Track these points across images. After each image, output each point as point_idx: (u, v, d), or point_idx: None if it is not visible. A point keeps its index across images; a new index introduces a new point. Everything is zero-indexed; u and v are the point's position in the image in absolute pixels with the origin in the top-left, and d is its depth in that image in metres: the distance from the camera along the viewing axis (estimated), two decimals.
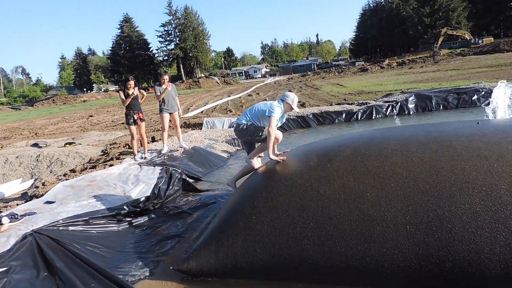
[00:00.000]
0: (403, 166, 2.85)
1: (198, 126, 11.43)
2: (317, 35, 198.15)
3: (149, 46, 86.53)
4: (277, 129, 3.90)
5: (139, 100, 6.99)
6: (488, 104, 5.38)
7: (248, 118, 4.04)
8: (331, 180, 2.99)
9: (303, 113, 10.82)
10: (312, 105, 14.61)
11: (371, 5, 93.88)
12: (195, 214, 4.54)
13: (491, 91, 5.75)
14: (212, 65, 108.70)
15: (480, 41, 61.14)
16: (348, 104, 12.27)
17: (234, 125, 4.22)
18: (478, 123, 3.49)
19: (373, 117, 10.61)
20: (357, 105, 11.39)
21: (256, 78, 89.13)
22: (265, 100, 20.85)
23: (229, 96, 29.15)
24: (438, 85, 16.00)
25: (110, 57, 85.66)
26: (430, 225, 2.48)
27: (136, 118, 6.87)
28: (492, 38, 61.86)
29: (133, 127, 6.87)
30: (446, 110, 10.65)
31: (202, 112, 18.18)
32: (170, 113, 7.32)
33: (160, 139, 8.40)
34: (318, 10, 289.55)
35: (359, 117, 10.65)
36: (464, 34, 63.31)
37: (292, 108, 4.00)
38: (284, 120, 4.15)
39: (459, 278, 2.37)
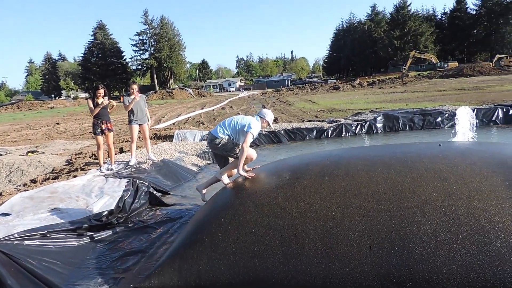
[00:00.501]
0: (368, 186, 2.91)
1: (169, 138, 11.27)
2: (292, 52, 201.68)
3: (123, 54, 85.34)
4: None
5: (108, 110, 6.83)
6: (452, 126, 5.64)
7: (225, 131, 3.99)
8: (298, 198, 3.00)
9: (275, 129, 10.89)
10: (284, 120, 14.77)
11: (345, 25, 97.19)
12: (161, 229, 4.42)
13: (455, 114, 6.03)
14: (187, 76, 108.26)
15: (445, 65, 64.15)
16: (319, 121, 12.49)
17: (208, 137, 4.15)
18: (440, 145, 3.63)
19: (343, 135, 10.83)
20: (327, 123, 11.62)
21: (230, 91, 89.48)
22: (238, 113, 20.90)
23: (202, 108, 29.03)
24: (405, 106, 16.62)
25: (81, 63, 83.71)
26: (392, 245, 2.52)
27: (104, 128, 6.69)
28: (457, 63, 65.13)
29: (100, 137, 6.68)
30: (412, 131, 11.03)
31: (174, 123, 17.99)
32: (139, 124, 7.18)
33: (128, 150, 8.20)
34: (294, 28, 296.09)
35: (329, 134, 10.85)
36: (431, 57, 66.49)
37: (268, 125, 4.09)
38: (256, 135, 4.17)
39: None
